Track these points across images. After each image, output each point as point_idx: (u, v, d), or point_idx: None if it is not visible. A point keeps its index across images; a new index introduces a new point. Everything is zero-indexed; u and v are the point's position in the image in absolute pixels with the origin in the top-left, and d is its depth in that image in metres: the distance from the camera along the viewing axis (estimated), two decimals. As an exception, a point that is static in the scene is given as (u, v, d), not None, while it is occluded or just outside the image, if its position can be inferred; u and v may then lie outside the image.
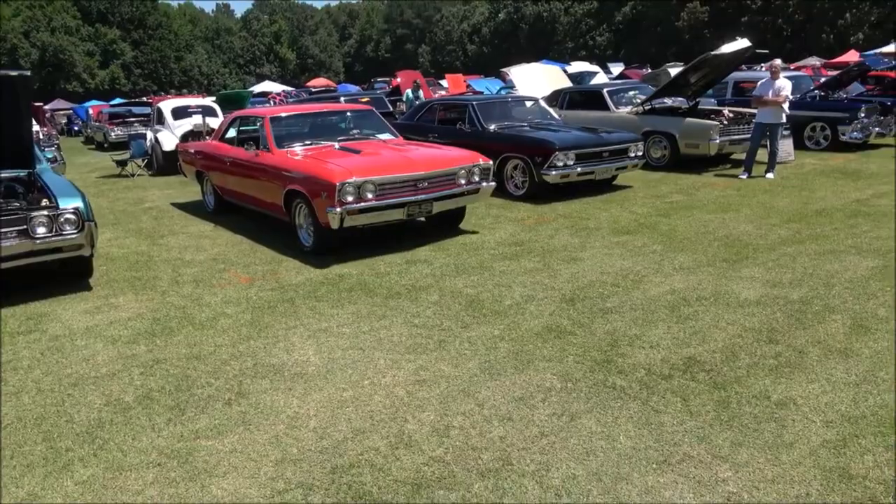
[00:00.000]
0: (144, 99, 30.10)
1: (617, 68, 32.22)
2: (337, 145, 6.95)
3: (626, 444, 3.00)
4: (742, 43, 10.07)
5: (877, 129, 12.04)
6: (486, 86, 24.56)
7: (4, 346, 4.49)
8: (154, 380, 3.87)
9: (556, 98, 12.64)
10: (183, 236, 7.66)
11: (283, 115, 7.56)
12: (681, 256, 5.88)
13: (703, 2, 46.96)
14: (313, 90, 31.95)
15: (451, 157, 6.70)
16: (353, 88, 34.07)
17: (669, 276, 5.36)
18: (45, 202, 5.44)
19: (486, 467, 2.86)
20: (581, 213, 7.86)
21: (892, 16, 39.95)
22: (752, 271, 5.36)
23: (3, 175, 6.03)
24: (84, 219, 5.34)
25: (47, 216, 5.23)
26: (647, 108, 11.15)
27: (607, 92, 11.94)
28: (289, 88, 39.56)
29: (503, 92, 19.99)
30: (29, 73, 5.30)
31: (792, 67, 22.72)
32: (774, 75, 9.56)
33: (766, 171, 9.65)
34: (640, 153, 9.11)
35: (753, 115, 9.96)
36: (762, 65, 12.74)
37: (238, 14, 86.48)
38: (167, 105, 14.54)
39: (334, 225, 5.84)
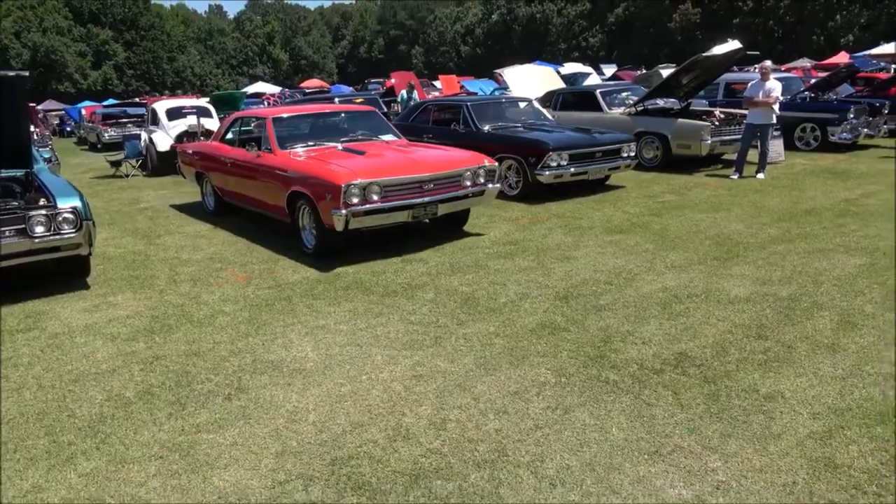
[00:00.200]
0: (137, 100, 30.02)
1: (610, 69, 32.37)
2: (340, 146, 6.90)
3: (619, 435, 3.07)
4: (733, 45, 10.20)
5: (865, 129, 12.19)
6: (480, 87, 24.64)
7: (4, 343, 4.53)
8: (154, 376, 3.93)
9: (549, 99, 12.74)
10: (179, 236, 7.70)
11: (286, 115, 7.49)
12: (672, 255, 5.97)
13: (695, 3, 47.23)
14: (307, 91, 31.98)
15: (457, 159, 6.63)
16: (347, 89, 34.10)
17: (661, 274, 5.44)
18: (42, 202, 5.48)
19: (483, 458, 2.93)
20: (574, 213, 7.94)
21: (881, 18, 40.33)
22: (743, 269, 5.45)
23: (1, 175, 6.07)
24: (82, 218, 5.38)
25: (45, 215, 5.27)
26: (639, 109, 11.27)
27: (600, 93, 12.05)
28: (282, 89, 39.59)
29: (497, 93, 20.08)
30: (27, 73, 5.33)
31: (783, 69, 22.93)
32: (765, 77, 9.69)
33: (757, 172, 9.77)
34: (632, 153, 9.21)
35: (744, 116, 10.08)
36: (755, 66, 12.83)
37: (231, 15, 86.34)
38: (162, 106, 14.56)
39: (339, 227, 5.78)
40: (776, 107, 9.67)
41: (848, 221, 6.94)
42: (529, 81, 15.51)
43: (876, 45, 30.25)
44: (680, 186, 9.42)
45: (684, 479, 2.73)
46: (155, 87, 62.23)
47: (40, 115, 24.49)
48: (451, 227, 7.20)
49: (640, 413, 3.26)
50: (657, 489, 2.67)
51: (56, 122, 32.92)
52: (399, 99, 18.49)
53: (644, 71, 23.77)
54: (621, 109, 11.52)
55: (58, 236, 5.31)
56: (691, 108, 11.48)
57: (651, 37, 50.94)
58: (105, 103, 29.57)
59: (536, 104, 10.91)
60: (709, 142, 10.23)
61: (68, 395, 3.74)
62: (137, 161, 13.74)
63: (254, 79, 63.94)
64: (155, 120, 14.22)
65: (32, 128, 14.49)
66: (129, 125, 19.83)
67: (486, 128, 9.27)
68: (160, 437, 3.23)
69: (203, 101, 16.10)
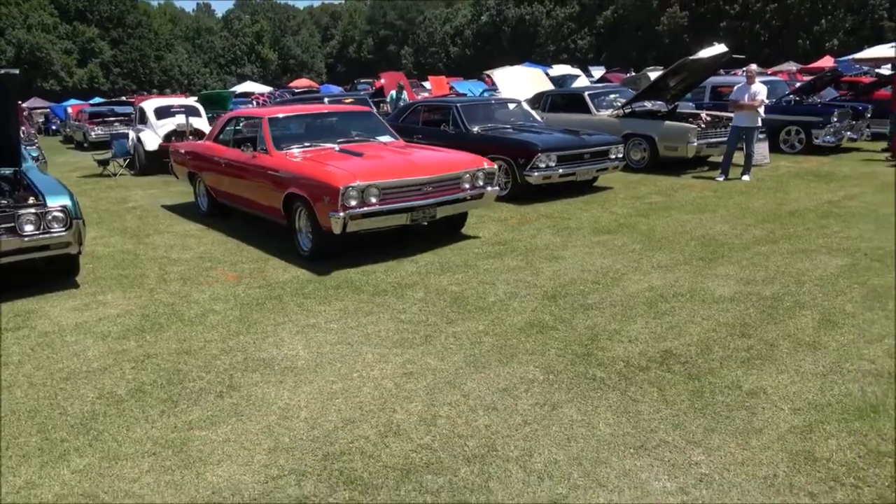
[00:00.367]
0: (124, 98, 29.82)
1: (598, 72, 32.59)
2: (337, 147, 6.80)
3: (606, 430, 3.14)
4: (719, 48, 10.34)
5: (849, 133, 12.39)
6: (469, 88, 24.71)
7: (-6, 342, 4.54)
8: (146, 374, 3.95)
9: (538, 101, 12.83)
10: (168, 235, 7.70)
11: (281, 115, 7.40)
12: (659, 255, 6.06)
13: (683, 7, 47.62)
14: (296, 91, 31.91)
15: (456, 161, 6.56)
16: (336, 89, 34.07)
17: (648, 273, 5.53)
18: (32, 200, 5.48)
19: (472, 453, 2.99)
20: (563, 214, 8.03)
21: (865, 23, 40.88)
22: (727, 269, 5.55)
23: (-11, 173, 6.05)
24: (72, 217, 5.38)
25: (35, 214, 5.27)
26: (627, 111, 11.38)
27: (589, 95, 12.15)
28: (272, 89, 39.46)
29: (486, 94, 20.17)
30: (17, 71, 5.33)
31: (769, 72, 23.19)
32: (750, 80, 9.83)
33: (742, 174, 9.91)
34: (620, 155, 9.31)
35: (730, 119, 10.22)
36: (743, 69, 13.02)
37: (219, 13, 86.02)
38: (150, 104, 14.50)
39: (337, 230, 5.70)
40: (761, 110, 9.82)
41: (830, 223, 7.07)
42: (519, 83, 15.62)
43: (860, 49, 30.68)
44: (667, 188, 9.54)
45: (669, 473, 2.80)
46: (142, 86, 61.77)
47: (25, 113, 24.29)
48: (448, 230, 7.11)
49: (627, 409, 3.33)
50: (642, 482, 2.74)
51: (41, 120, 32.60)
52: (388, 99, 18.54)
53: (633, 73, 23.95)
54: (609, 111, 11.63)
55: (47, 235, 5.30)
56: (678, 110, 11.63)
57: (639, 39, 51.30)
58: (92, 101, 29.37)
59: (525, 106, 11.00)
60: (695, 144, 10.36)
61: (59, 392, 3.75)
62: (125, 160, 13.68)
63: (242, 78, 63.66)
64: (143, 119, 14.15)
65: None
66: (117, 124, 19.72)
67: (476, 129, 9.33)
68: (153, 434, 3.26)
69: (192, 101, 16.04)
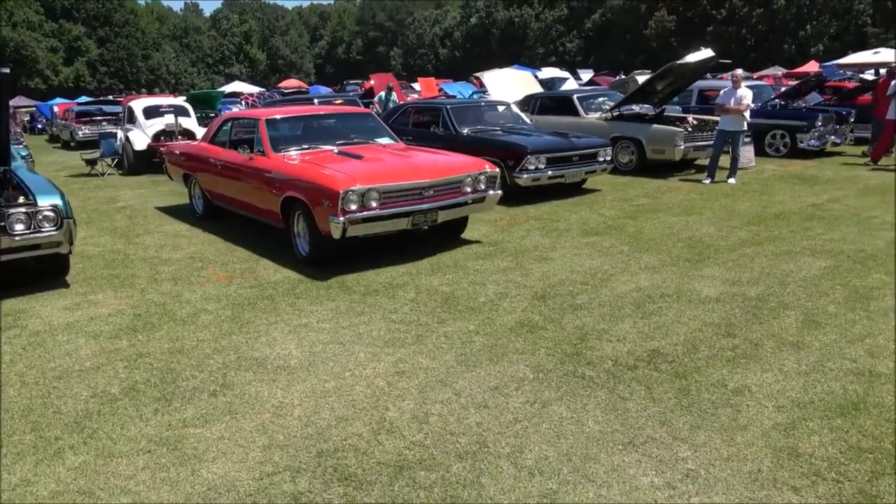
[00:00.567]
0: (112, 97, 29.63)
1: (587, 75, 32.77)
2: (336, 150, 6.69)
3: (594, 427, 3.21)
4: (706, 53, 10.48)
5: (833, 137, 12.58)
6: (459, 90, 24.79)
7: (-16, 341, 4.53)
8: (139, 373, 3.97)
9: (527, 103, 12.92)
10: (158, 235, 7.69)
11: (279, 117, 7.28)
12: (646, 256, 6.15)
13: (670, 11, 48.01)
14: (286, 91, 31.84)
15: (458, 165, 6.47)
16: (325, 90, 34.06)
17: (636, 274, 5.61)
18: (22, 199, 5.47)
19: (464, 450, 3.05)
20: (552, 215, 8.11)
21: (849, 29, 41.43)
22: (713, 270, 5.65)
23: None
24: (63, 216, 5.38)
25: (25, 213, 5.26)
26: (615, 114, 11.49)
27: (577, 98, 12.26)
28: (261, 89, 39.33)
29: (475, 96, 20.25)
30: (8, 70, 5.31)
31: (755, 77, 23.46)
32: (736, 85, 9.97)
33: (728, 177, 10.04)
34: (608, 158, 9.41)
35: (716, 123, 10.35)
36: (729, 73, 13.22)
37: (207, 13, 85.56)
38: (139, 104, 14.44)
39: (336, 235, 5.59)
40: (747, 114, 9.96)
41: (814, 225, 7.20)
42: (508, 85, 15.72)
43: (844, 54, 31.12)
44: (654, 190, 9.65)
45: (656, 468, 2.87)
46: (129, 85, 61.25)
47: (10, 112, 24.08)
48: (449, 234, 6.97)
49: (615, 406, 3.40)
50: (631, 477, 2.81)
51: (27, 118, 32.31)
52: (377, 100, 18.57)
53: (622, 76, 24.13)
54: (598, 114, 11.73)
55: (38, 234, 5.30)
56: (665, 114, 11.76)
57: (627, 43, 51.66)
58: (78, 100, 29.14)
59: (515, 108, 11.08)
60: (682, 147, 10.48)
61: (52, 391, 3.76)
62: (113, 160, 13.61)
63: (230, 78, 63.38)
64: (131, 118, 14.10)
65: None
66: (105, 123, 19.60)
67: (466, 131, 9.39)
68: (147, 432, 3.29)
69: (181, 100, 15.99)
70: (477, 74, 22.21)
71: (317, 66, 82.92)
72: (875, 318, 4.49)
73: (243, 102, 25.69)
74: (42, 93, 51.99)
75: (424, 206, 5.98)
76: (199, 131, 13.62)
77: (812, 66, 29.83)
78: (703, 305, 4.82)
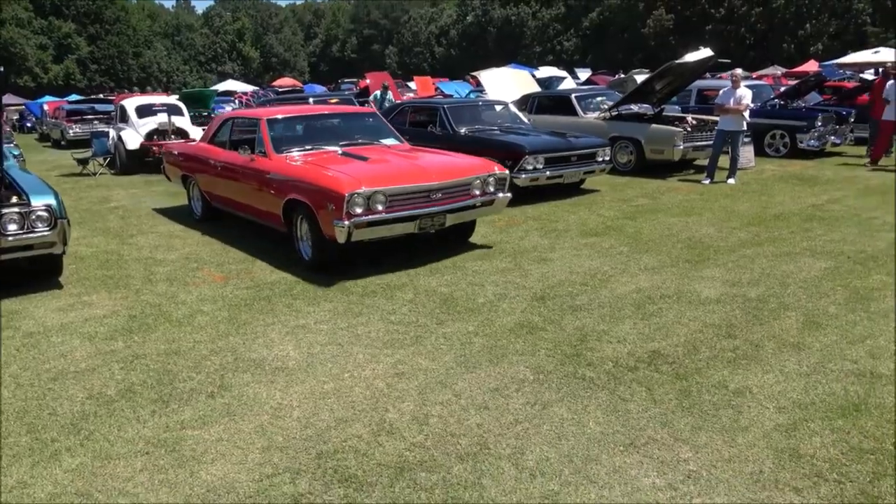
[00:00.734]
0: (101, 96, 29.56)
1: (584, 73, 32.85)
2: (340, 151, 6.59)
3: (595, 429, 3.24)
4: (705, 52, 10.54)
5: (833, 137, 12.66)
6: (456, 89, 24.83)
7: (-23, 342, 4.53)
8: (135, 374, 3.98)
9: (525, 102, 12.95)
10: (153, 235, 7.70)
11: (281, 116, 7.19)
12: (646, 257, 6.19)
13: (669, 10, 48.19)
14: (280, 90, 31.82)
15: (466, 166, 6.36)
16: (320, 89, 34.02)
17: (635, 275, 5.65)
18: (15, 199, 5.47)
19: (465, 451, 3.07)
20: (550, 216, 8.14)
21: (849, 28, 41.66)
22: (713, 271, 5.69)
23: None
24: (56, 216, 5.38)
25: (18, 213, 5.26)
26: (613, 114, 11.54)
27: (575, 97, 12.31)
28: (255, 88, 39.29)
29: (472, 96, 20.29)
30: (2, 68, 5.32)
31: (754, 76, 23.56)
32: (736, 84, 10.03)
33: (728, 177, 10.10)
34: (607, 158, 9.46)
35: (716, 123, 10.41)
36: (729, 72, 13.30)
37: (199, 10, 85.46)
38: (131, 103, 14.44)
39: (341, 239, 5.46)
40: (746, 114, 10.02)
41: (814, 226, 7.25)
42: (505, 85, 15.75)
43: (844, 53, 31.28)
44: (653, 191, 9.70)
45: (658, 469, 2.90)
46: (120, 83, 61.13)
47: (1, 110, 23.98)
48: (456, 239, 6.87)
49: (616, 408, 3.43)
50: (632, 478, 2.84)
51: (15, 117, 32.21)
52: (372, 99, 18.60)
53: (622, 75, 24.20)
54: (596, 114, 11.78)
55: (31, 234, 5.30)
56: (664, 113, 11.81)
57: (625, 42, 51.81)
58: (69, 98, 29.06)
59: (513, 107, 11.11)
60: (681, 147, 10.53)
61: (48, 393, 3.77)
62: (105, 159, 13.60)
63: (223, 76, 63.26)
64: (124, 117, 14.09)
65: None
66: (96, 122, 19.57)
67: (463, 130, 9.43)
68: (145, 434, 3.30)
69: (173, 99, 15.99)
70: (473, 73, 22.25)
71: (311, 64, 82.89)
72: (876, 319, 4.54)
73: (236, 101, 25.68)
74: (31, 91, 51.84)
75: (432, 210, 5.85)
76: (193, 130, 13.64)
77: (811, 66, 29.98)
78: (703, 306, 4.86)
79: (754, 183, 10.11)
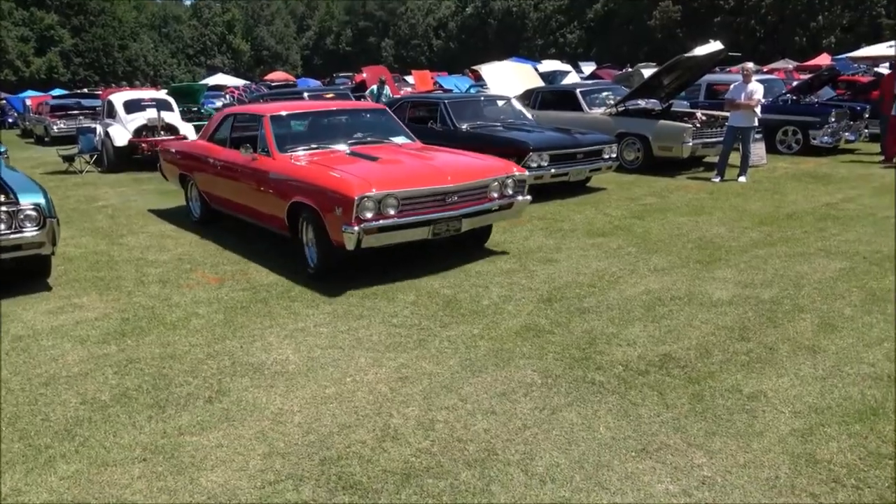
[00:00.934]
0: (86, 90, 29.55)
1: (589, 67, 32.96)
2: (348, 150, 6.47)
3: (606, 434, 3.28)
4: (715, 46, 10.58)
5: (846, 133, 12.71)
6: (455, 83, 24.89)
7: (-35, 346, 4.56)
8: (130, 379, 4.01)
9: (528, 97, 13.00)
10: (143, 236, 7.72)
11: (285, 113, 7.01)
12: (655, 258, 6.23)
13: (676, 1, 48.29)
14: (273, 84, 31.85)
15: (484, 167, 6.18)
16: (314, 83, 34.08)
17: (644, 276, 5.69)
18: (2, 198, 5.49)
19: (473, 457, 3.11)
20: (555, 215, 8.18)
21: (863, 20, 41.78)
22: (725, 272, 5.73)
23: (-45, 169, 6.04)
24: (45, 216, 5.41)
25: (6, 212, 5.29)
26: (620, 109, 11.59)
27: (580, 92, 12.37)
28: (247, 82, 39.29)
29: (473, 90, 20.34)
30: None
31: (765, 70, 23.64)
32: (747, 79, 10.08)
33: (739, 175, 10.15)
34: (613, 155, 9.51)
35: (726, 119, 10.46)
36: (740, 66, 13.35)
37: (187, 1, 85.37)
38: (119, 98, 14.44)
39: (350, 245, 5.27)
40: (758, 109, 10.07)
41: (828, 226, 7.30)
42: (508, 79, 15.78)
43: (858, 46, 31.38)
44: (661, 189, 9.74)
45: (671, 475, 2.94)
46: (105, 77, 61.14)
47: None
48: (473, 244, 6.71)
49: (627, 412, 3.47)
50: (645, 484, 2.88)
51: (-4, 112, 32.16)
52: (369, 93, 18.63)
53: (629, 69, 24.26)
54: (602, 109, 11.83)
55: (19, 234, 5.33)
56: (673, 109, 11.86)
57: (630, 34, 51.92)
58: (53, 93, 29.04)
59: (515, 103, 11.16)
60: (690, 144, 10.59)
61: (40, 398, 3.80)
62: (92, 156, 13.62)
63: (212, 70, 63.22)
64: (111, 113, 14.10)
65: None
66: (82, 118, 19.58)
67: (465, 126, 9.47)
68: (141, 440, 3.33)
69: (163, 94, 16.00)
70: (474, 67, 22.30)
71: (304, 57, 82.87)
72: (892, 320, 4.58)
73: (227, 96, 25.68)
74: (12, 85, 51.75)
75: (447, 214, 5.67)
76: (183, 126, 13.66)
77: (824, 59, 30.05)
78: (715, 308, 4.90)
79: (766, 181, 10.16)
